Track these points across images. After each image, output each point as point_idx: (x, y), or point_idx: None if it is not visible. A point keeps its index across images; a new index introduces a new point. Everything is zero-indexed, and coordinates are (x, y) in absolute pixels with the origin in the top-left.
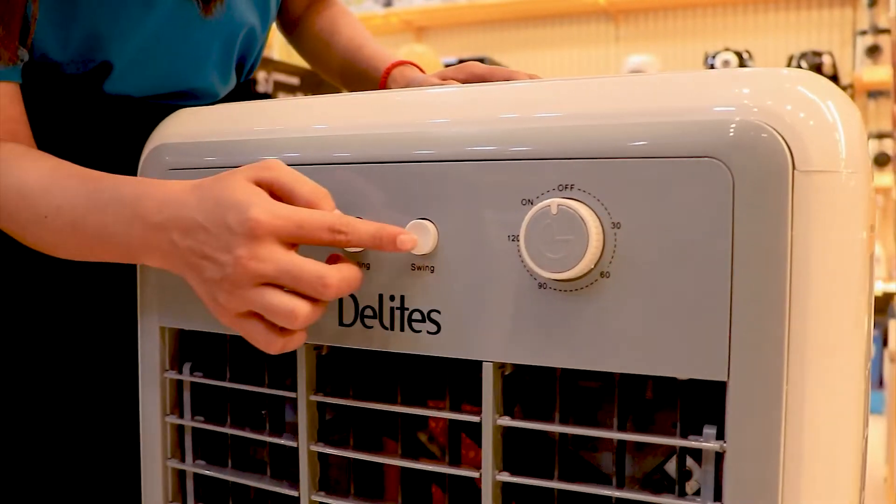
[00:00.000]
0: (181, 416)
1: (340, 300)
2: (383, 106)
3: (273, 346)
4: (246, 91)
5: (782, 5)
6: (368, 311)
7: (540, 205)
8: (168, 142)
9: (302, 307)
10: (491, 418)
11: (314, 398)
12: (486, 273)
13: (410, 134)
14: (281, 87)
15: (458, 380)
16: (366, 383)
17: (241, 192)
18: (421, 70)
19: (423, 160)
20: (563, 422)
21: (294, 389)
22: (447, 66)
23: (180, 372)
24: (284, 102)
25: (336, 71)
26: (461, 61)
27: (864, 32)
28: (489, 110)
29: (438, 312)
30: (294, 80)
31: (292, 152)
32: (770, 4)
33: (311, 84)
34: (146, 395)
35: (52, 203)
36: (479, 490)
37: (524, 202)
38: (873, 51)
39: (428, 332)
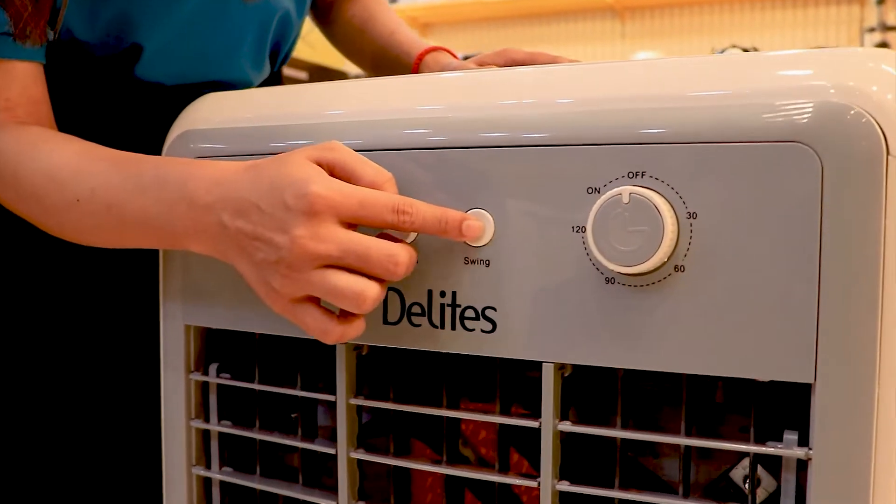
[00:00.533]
0: (207, 420)
1: (385, 296)
2: (433, 89)
3: (331, 334)
4: (278, 81)
5: (789, 2)
6: (416, 308)
7: (610, 193)
8: (195, 127)
9: (371, 288)
10: (551, 424)
11: (354, 401)
12: (547, 267)
13: (465, 118)
14: (288, 82)
15: (503, 381)
16: (401, 384)
17: (299, 169)
18: (454, 56)
19: (479, 146)
20: (623, 426)
21: (328, 391)
22: None
23: (206, 373)
24: (322, 86)
25: (369, 58)
26: (466, 58)
27: (871, 30)
28: (550, 93)
29: (494, 309)
30: (302, 75)
31: (331, 139)
32: (777, 1)
33: (319, 79)
34: (169, 397)
35: (86, 185)
36: (517, 497)
37: (590, 191)
38: (881, 48)
39: (482, 331)
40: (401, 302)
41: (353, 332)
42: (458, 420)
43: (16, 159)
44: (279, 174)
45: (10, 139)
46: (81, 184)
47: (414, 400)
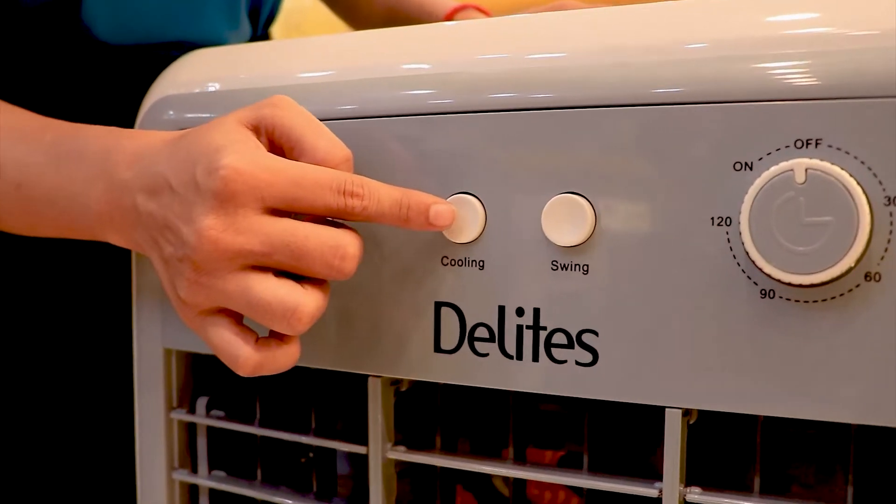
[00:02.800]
0: (194, 470)
1: (437, 313)
2: (488, 34)
3: (246, 363)
4: None
5: None
6: (482, 332)
7: (774, 170)
8: (175, 92)
9: (308, 300)
10: (677, 490)
11: (393, 455)
12: (673, 274)
13: (539, 70)
14: None
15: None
16: (447, 425)
17: (221, 135)
18: (486, 14)
19: (564, 106)
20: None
21: (353, 435)
22: None
23: (192, 411)
24: (332, 38)
25: (380, 21)
26: None
27: None
28: (672, 34)
29: (595, 334)
30: None
31: (348, 102)
32: None
33: None
34: (145, 441)
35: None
36: None
37: (739, 167)
38: None
39: (578, 363)
40: (460, 322)
41: (284, 359)
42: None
43: None
44: (197, 141)
45: None
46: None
47: (464, 447)
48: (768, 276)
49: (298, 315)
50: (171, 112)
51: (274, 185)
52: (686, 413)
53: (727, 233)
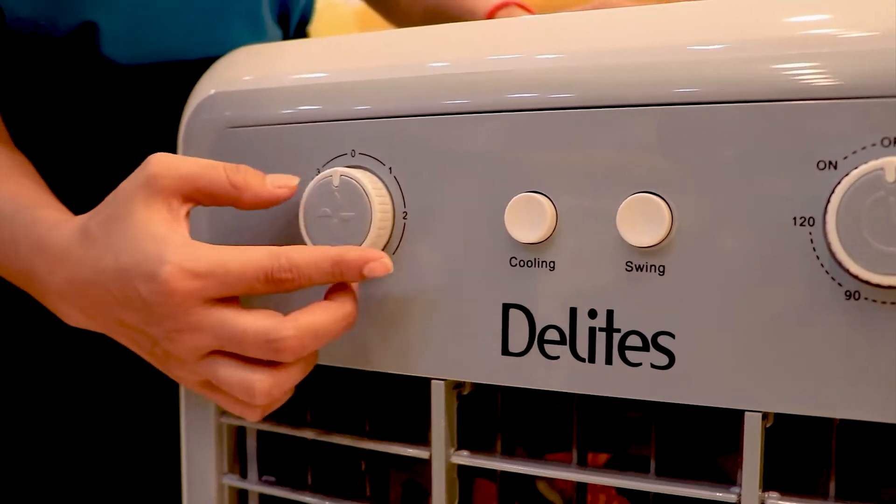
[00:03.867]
0: (243, 475)
1: (505, 315)
2: (559, 31)
3: (251, 415)
4: None
5: None
6: (552, 334)
7: (863, 168)
8: (225, 89)
9: (259, 382)
10: (756, 495)
11: (457, 459)
12: (753, 275)
13: (617, 68)
14: None
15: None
16: (509, 428)
17: (143, 236)
18: (530, 11)
19: (638, 104)
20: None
21: (413, 437)
22: None
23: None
24: (380, 35)
25: (419, 18)
26: None
27: None
28: (743, 30)
29: (672, 336)
30: None
31: (415, 100)
32: None
33: None
34: (193, 446)
35: None
36: None
37: (822, 165)
38: None
39: (653, 366)
40: (529, 324)
41: (276, 404)
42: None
43: None
44: (123, 258)
45: None
46: None
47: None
48: (855, 276)
49: (251, 392)
50: (221, 111)
51: (210, 279)
52: (763, 417)
53: (810, 233)
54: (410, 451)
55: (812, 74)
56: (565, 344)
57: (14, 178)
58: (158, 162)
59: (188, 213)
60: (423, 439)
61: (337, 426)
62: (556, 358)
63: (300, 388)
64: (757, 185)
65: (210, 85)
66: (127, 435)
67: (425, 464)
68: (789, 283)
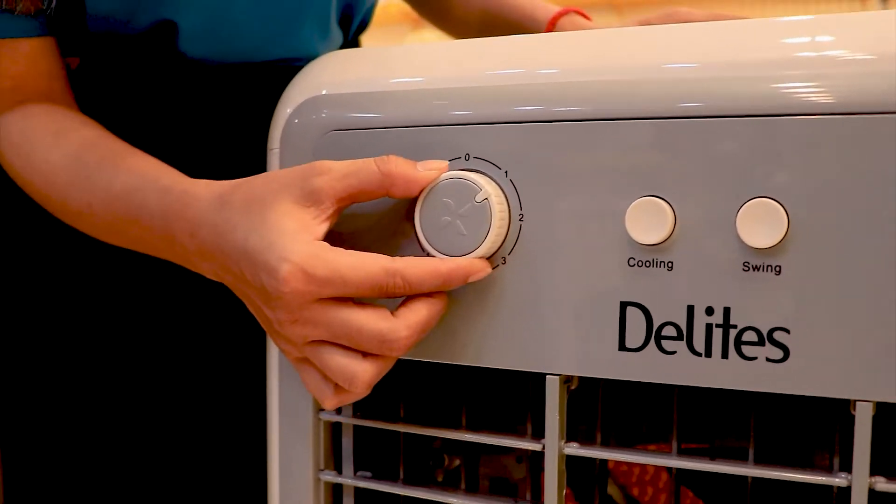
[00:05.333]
0: (339, 471)
1: (623, 313)
2: (673, 42)
3: (328, 402)
4: None
5: (790, 0)
6: (669, 330)
7: None
8: (326, 92)
9: (363, 372)
10: (866, 480)
11: (570, 450)
12: (865, 274)
13: (741, 78)
14: None
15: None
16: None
17: (275, 234)
18: (589, 19)
19: (762, 114)
20: None
21: (525, 431)
22: None
23: (339, 412)
24: (495, 41)
25: (475, 24)
26: None
27: None
28: (860, 42)
29: (787, 332)
30: None
31: (529, 104)
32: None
33: None
34: (288, 443)
35: (84, 200)
36: None
37: None
38: None
39: (769, 360)
40: (647, 320)
41: (352, 398)
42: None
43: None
44: (252, 239)
45: (14, 128)
46: (79, 196)
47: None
48: None
49: (354, 381)
50: (324, 112)
51: (326, 286)
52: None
53: None
54: (524, 444)
55: None
56: (682, 340)
57: (132, 156)
58: (323, 164)
59: (336, 214)
60: (513, 431)
61: (426, 421)
62: (674, 353)
63: (393, 384)
64: (870, 188)
65: (312, 87)
66: (191, 434)
67: (512, 459)
68: None
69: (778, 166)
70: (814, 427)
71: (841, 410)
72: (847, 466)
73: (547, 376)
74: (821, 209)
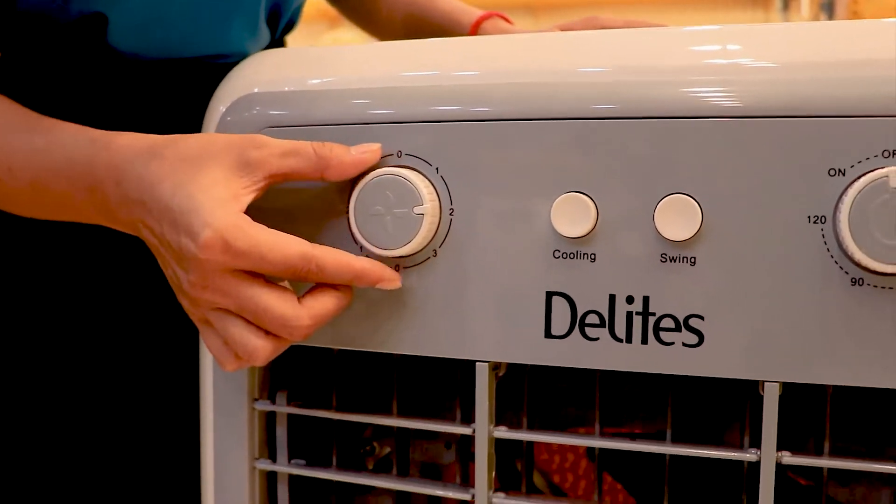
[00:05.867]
0: (273, 459)
1: (548, 302)
2: (607, 45)
3: (228, 366)
4: None
5: (690, 5)
6: (592, 318)
7: (872, 176)
8: (259, 90)
9: (262, 348)
10: (773, 456)
11: (499, 434)
12: (771, 265)
13: (662, 82)
14: None
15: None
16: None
17: (203, 192)
18: (511, 23)
19: (679, 115)
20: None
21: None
22: None
23: (273, 402)
24: (424, 43)
25: (399, 27)
26: None
27: None
28: (778, 54)
29: (701, 318)
30: None
31: (447, 104)
32: (680, 6)
33: None
34: (223, 432)
35: (1, 164)
36: None
37: (833, 172)
38: None
39: (685, 345)
40: (571, 310)
41: (254, 363)
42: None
43: None
44: (179, 197)
45: None
46: None
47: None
48: (861, 265)
49: (254, 355)
50: (257, 109)
51: (243, 259)
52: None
53: (822, 230)
54: (455, 428)
55: (824, 96)
56: (605, 327)
57: (51, 119)
58: (262, 138)
59: (264, 189)
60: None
61: (358, 409)
62: (597, 339)
63: (325, 372)
64: (777, 188)
65: (245, 85)
66: (127, 429)
67: (441, 445)
68: (803, 272)
69: (693, 165)
70: (725, 407)
71: (750, 391)
72: (757, 443)
73: (476, 363)
74: (731, 205)
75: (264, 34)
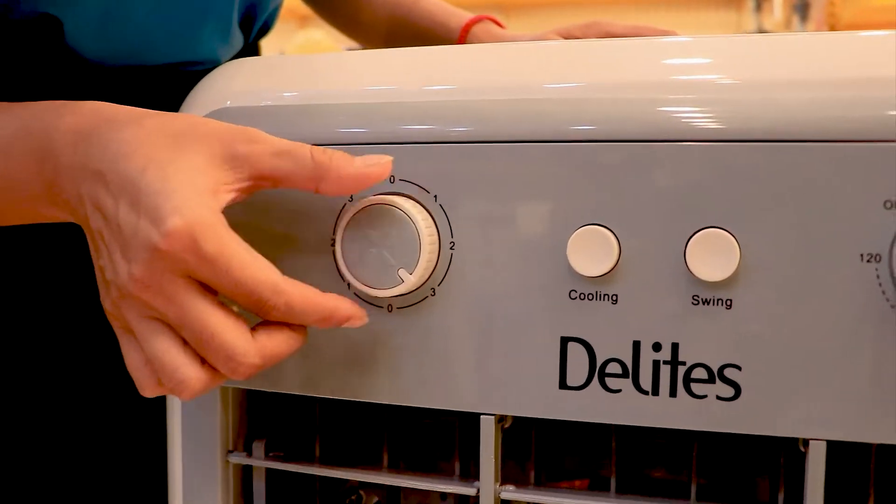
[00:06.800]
0: None
1: (563, 349)
2: (617, 56)
3: (146, 390)
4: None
5: (663, 5)
6: (614, 367)
7: None
8: (231, 104)
9: (195, 380)
10: None
11: (506, 494)
12: (818, 309)
13: (689, 102)
14: None
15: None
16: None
17: (179, 178)
18: (503, 27)
19: (710, 139)
20: None
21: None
22: None
23: (250, 454)
24: (403, 52)
25: (382, 32)
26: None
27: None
28: (815, 70)
29: (738, 368)
30: None
31: (461, 124)
32: (654, 4)
33: None
34: (192, 488)
35: None
36: None
37: (889, 205)
38: None
39: (718, 398)
40: (589, 358)
41: (181, 394)
42: None
43: None
44: (151, 173)
45: None
46: None
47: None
48: None
49: (182, 386)
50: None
51: (205, 265)
52: (806, 444)
53: (876, 269)
54: (456, 487)
55: (878, 117)
56: (628, 377)
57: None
58: (257, 132)
59: (248, 191)
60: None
61: (343, 459)
62: (619, 391)
63: (307, 420)
64: (825, 222)
65: (216, 98)
66: (120, 435)
67: (437, 496)
68: (855, 317)
69: (728, 195)
70: (755, 458)
71: (786, 442)
72: (792, 501)
73: (482, 416)
74: (773, 241)
75: (237, 39)
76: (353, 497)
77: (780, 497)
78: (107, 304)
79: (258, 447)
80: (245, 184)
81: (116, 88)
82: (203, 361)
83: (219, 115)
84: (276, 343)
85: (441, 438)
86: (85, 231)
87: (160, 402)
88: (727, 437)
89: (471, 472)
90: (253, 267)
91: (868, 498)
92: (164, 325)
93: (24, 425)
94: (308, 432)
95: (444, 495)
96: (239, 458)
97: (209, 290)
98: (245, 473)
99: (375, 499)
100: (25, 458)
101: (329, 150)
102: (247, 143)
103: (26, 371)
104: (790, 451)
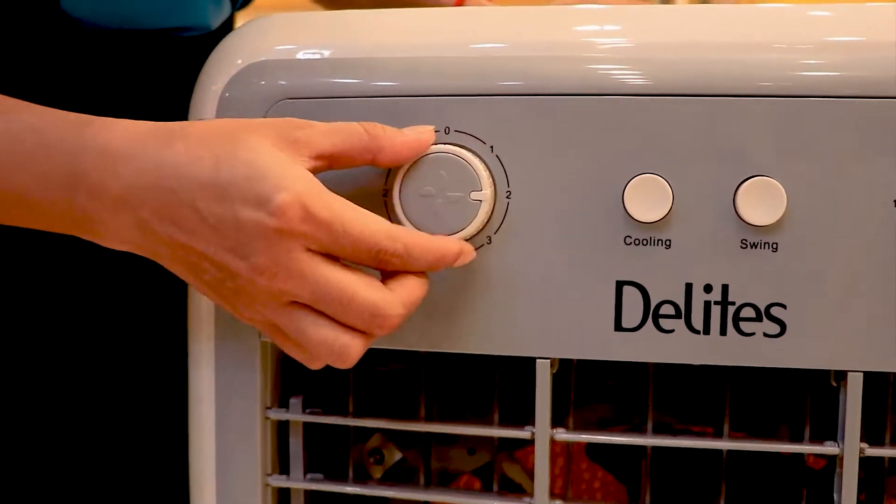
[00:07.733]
0: (287, 474)
1: (619, 292)
2: (677, 20)
3: (313, 364)
4: (229, 28)
5: None
6: (667, 309)
7: None
8: (274, 57)
9: (354, 347)
10: (857, 448)
11: (560, 436)
12: (858, 251)
13: (742, 60)
14: None
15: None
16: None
17: (263, 157)
18: None
19: (759, 95)
20: None
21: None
22: None
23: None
24: (497, 9)
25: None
26: None
27: None
28: (851, 27)
29: (783, 307)
30: None
31: (512, 77)
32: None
33: None
34: (229, 445)
35: None
36: None
37: None
38: None
39: (766, 335)
40: (644, 300)
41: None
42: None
43: None
44: (227, 169)
45: None
46: None
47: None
48: None
49: (345, 356)
50: (265, 81)
51: (323, 231)
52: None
53: None
54: (510, 432)
55: None
56: (680, 318)
57: (16, 101)
58: (302, 120)
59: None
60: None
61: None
62: (672, 331)
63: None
64: (863, 171)
65: (249, 53)
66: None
67: (463, 451)
68: (889, 257)
69: (775, 146)
70: (775, 402)
71: (816, 382)
72: (825, 435)
73: (537, 360)
74: (816, 188)
75: (226, 6)
76: (376, 456)
77: (807, 432)
78: (243, 314)
79: (296, 403)
80: (309, 164)
81: (111, 54)
82: (348, 329)
83: (256, 68)
84: (409, 290)
85: (472, 393)
86: (161, 261)
87: (160, 403)
88: (755, 384)
89: (513, 420)
90: (365, 220)
91: (885, 430)
92: (302, 306)
93: (29, 422)
94: (338, 389)
95: (472, 450)
96: (278, 414)
97: (332, 256)
98: (280, 431)
99: (399, 455)
100: (26, 459)
101: (375, 124)
102: (300, 127)
103: (33, 369)
104: (815, 392)
